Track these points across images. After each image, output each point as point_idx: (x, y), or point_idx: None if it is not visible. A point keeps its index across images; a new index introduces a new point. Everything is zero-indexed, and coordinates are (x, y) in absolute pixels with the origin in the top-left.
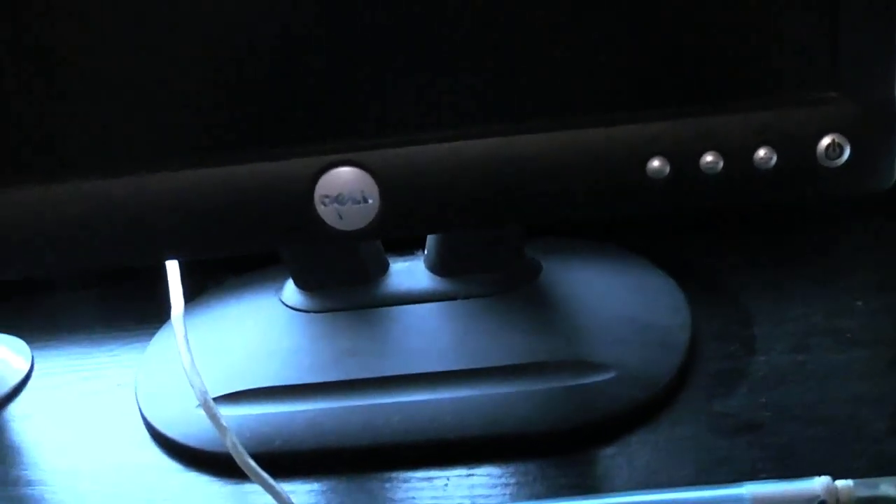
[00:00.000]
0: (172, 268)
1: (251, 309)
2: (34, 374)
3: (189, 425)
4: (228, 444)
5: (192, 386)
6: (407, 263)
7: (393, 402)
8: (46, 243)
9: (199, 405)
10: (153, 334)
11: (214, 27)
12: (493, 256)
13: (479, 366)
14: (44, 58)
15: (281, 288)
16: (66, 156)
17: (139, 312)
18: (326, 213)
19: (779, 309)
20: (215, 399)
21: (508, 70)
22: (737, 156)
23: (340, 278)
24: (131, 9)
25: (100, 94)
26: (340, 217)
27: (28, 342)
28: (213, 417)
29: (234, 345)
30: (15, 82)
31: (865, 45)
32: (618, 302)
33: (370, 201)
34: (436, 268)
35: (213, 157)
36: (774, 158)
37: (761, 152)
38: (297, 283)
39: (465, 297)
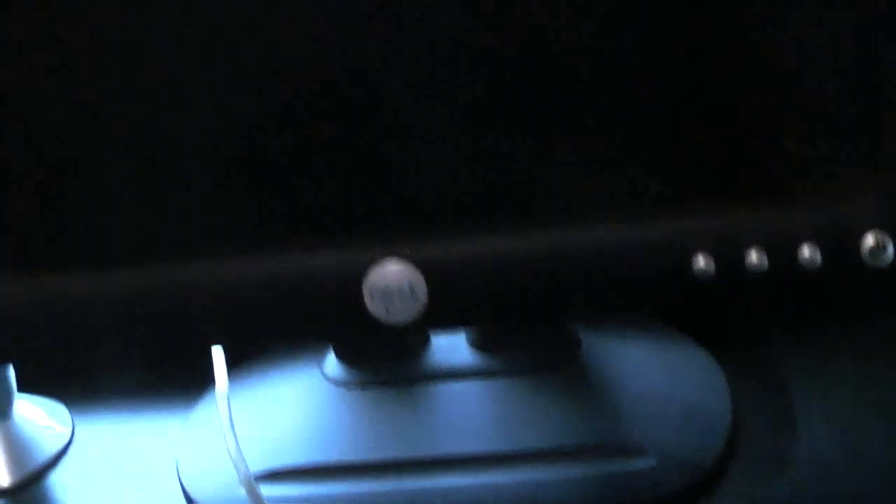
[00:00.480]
0: (217, 352)
1: (292, 381)
2: (74, 440)
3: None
4: None
5: (236, 469)
6: (448, 338)
7: (434, 486)
8: (95, 330)
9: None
10: (195, 402)
11: (267, 121)
12: (534, 332)
13: (519, 448)
14: (94, 143)
15: (322, 360)
16: (117, 244)
17: (182, 379)
18: (374, 306)
19: (822, 389)
20: (257, 476)
21: (556, 167)
22: (781, 254)
23: (381, 352)
24: (188, 101)
25: (151, 183)
26: (387, 310)
27: (69, 407)
28: (258, 500)
29: (276, 419)
30: (65, 170)
31: None
32: (658, 381)
33: (418, 296)
34: (477, 343)
35: (262, 249)
36: (819, 256)
37: (806, 250)
38: (338, 356)
39: (506, 374)
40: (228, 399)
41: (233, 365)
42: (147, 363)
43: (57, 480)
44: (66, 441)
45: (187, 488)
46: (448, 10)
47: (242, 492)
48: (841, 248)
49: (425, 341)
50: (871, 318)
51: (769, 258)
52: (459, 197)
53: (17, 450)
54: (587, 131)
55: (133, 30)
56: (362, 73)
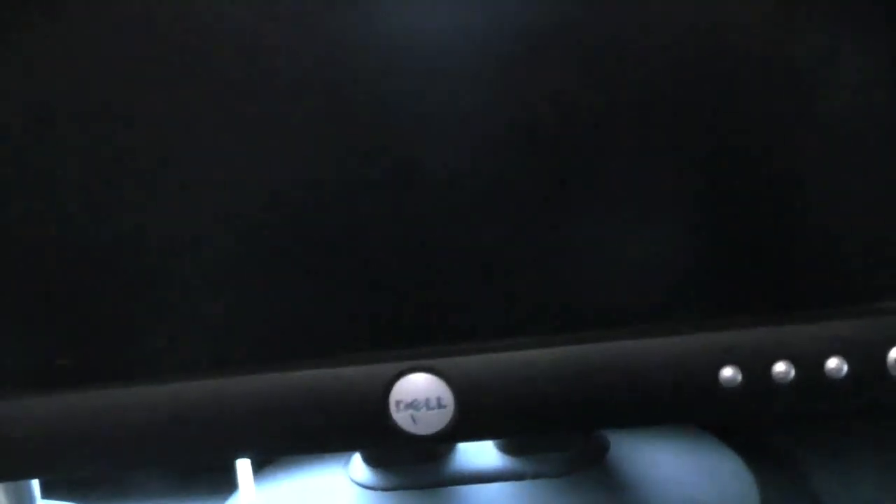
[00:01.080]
0: (243, 465)
1: (319, 485)
2: None
3: None
4: None
5: None
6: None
7: None
8: (127, 442)
9: None
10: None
11: (295, 235)
12: (562, 436)
13: None
14: (122, 263)
15: (348, 463)
16: (143, 358)
17: (207, 484)
18: (401, 417)
19: (850, 494)
20: None
21: (582, 280)
22: (808, 365)
23: (409, 455)
24: (215, 215)
25: (179, 298)
26: (415, 422)
27: None
28: None
29: None
30: (96, 288)
31: None
32: (686, 485)
33: (445, 407)
34: (504, 445)
35: (289, 362)
36: (845, 368)
37: (832, 362)
38: (364, 460)
39: (534, 478)
40: None
41: (258, 467)
42: (173, 471)
43: None
44: None
45: None
46: (490, 127)
47: None
48: (868, 360)
49: (452, 444)
50: None
51: (796, 370)
52: (487, 309)
53: None
54: (618, 244)
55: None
56: (389, 186)
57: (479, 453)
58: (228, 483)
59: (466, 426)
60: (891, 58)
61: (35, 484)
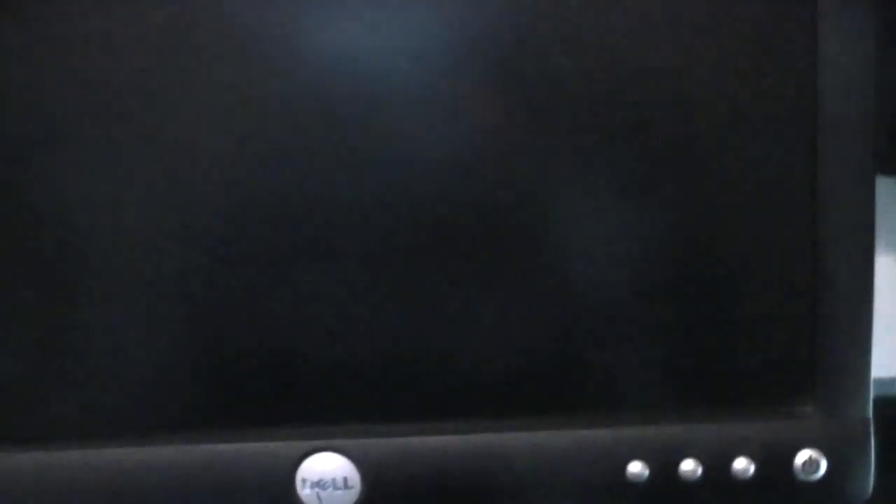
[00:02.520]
0: None
1: None
2: None
3: None
4: None
5: None
6: None
7: None
8: None
9: None
10: None
11: (203, 308)
12: None
13: None
14: (30, 329)
15: None
16: (50, 423)
17: None
18: (307, 496)
19: None
20: None
21: (493, 369)
22: (715, 464)
23: None
24: (113, 297)
25: (88, 367)
26: (320, 500)
27: None
28: None
29: None
30: (10, 363)
31: (841, 365)
32: None
33: (352, 488)
34: None
35: (195, 436)
36: (752, 469)
37: (739, 463)
38: None
39: None
40: None
41: None
42: None
43: None
44: None
45: None
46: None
47: None
48: (775, 462)
49: None
50: None
51: (703, 468)
52: (397, 393)
53: None
54: (528, 335)
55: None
56: (297, 263)
57: None
58: None
59: None
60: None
61: None
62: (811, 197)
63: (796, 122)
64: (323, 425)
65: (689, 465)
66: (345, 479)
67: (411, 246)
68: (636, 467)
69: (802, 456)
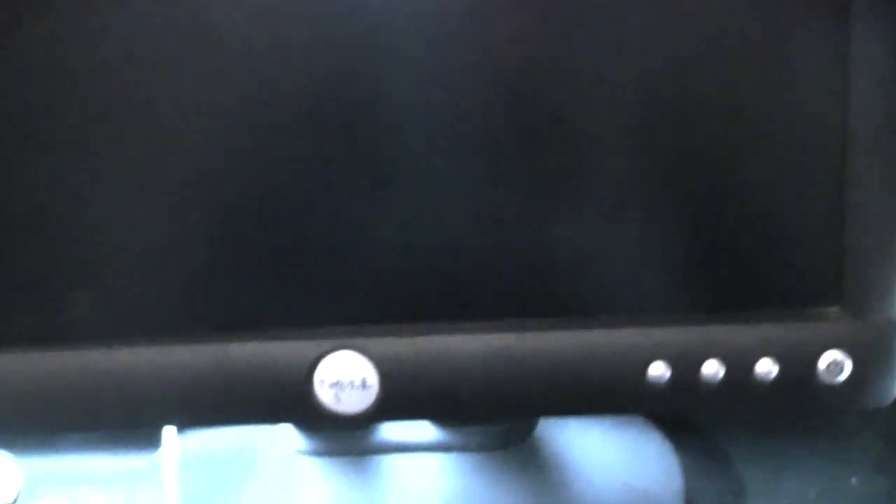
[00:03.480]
0: (169, 432)
1: (242, 446)
2: (22, 494)
3: None
4: None
5: None
6: None
7: None
8: (38, 408)
9: None
10: (148, 459)
11: (212, 209)
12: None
13: None
14: (49, 222)
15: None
16: (66, 323)
17: (136, 435)
18: (324, 395)
19: (774, 481)
20: None
21: (516, 269)
22: (738, 366)
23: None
24: (129, 192)
25: (102, 270)
26: (338, 400)
27: (17, 457)
28: None
29: (224, 486)
30: (20, 246)
31: (869, 265)
32: (611, 465)
33: (370, 388)
34: None
35: (210, 335)
36: (775, 371)
37: (762, 364)
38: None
39: (461, 451)
40: (177, 471)
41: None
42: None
43: None
44: (14, 495)
45: None
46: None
47: None
48: (798, 364)
49: (375, 424)
50: (823, 413)
51: (725, 369)
52: (418, 290)
53: None
54: (554, 235)
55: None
56: (323, 160)
57: (407, 423)
58: (155, 437)
59: (390, 408)
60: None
61: None
62: (842, 87)
63: None
64: (341, 324)
65: (711, 367)
66: (363, 380)
67: (435, 141)
68: (657, 369)
69: (827, 358)
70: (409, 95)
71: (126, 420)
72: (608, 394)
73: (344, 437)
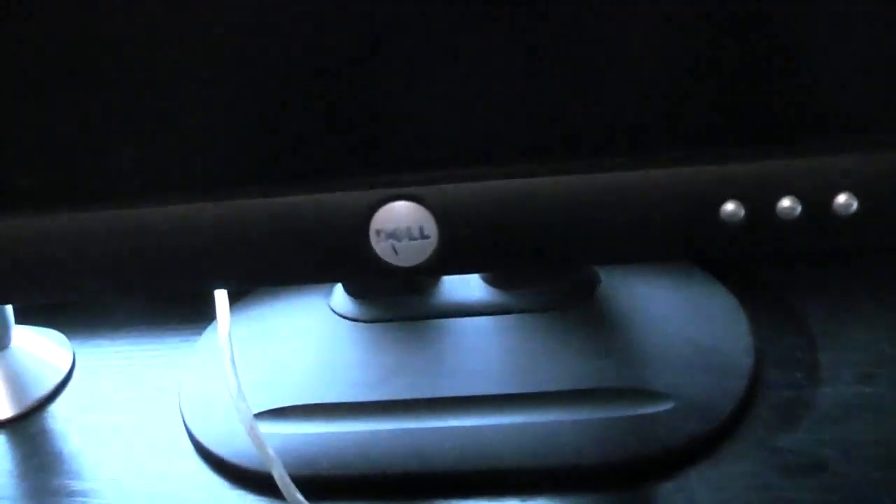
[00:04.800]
0: (220, 295)
1: (299, 314)
2: (75, 372)
3: (234, 442)
4: (276, 476)
5: (237, 412)
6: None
7: (445, 427)
8: (96, 269)
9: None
10: (198, 333)
11: (268, 57)
12: (551, 269)
13: (533, 390)
14: (91, 76)
15: (330, 294)
16: (119, 182)
17: (184, 309)
18: (381, 247)
19: (844, 334)
20: (261, 414)
21: (577, 106)
22: (815, 202)
23: (392, 286)
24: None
25: (153, 122)
26: (396, 252)
27: (69, 337)
28: (261, 447)
29: (281, 355)
30: (69, 110)
31: None
32: (677, 322)
33: (428, 238)
34: (490, 279)
35: (267, 188)
36: (855, 205)
37: (841, 198)
38: (346, 290)
39: (520, 312)
40: (230, 338)
41: (236, 297)
42: (146, 298)
43: (57, 411)
44: (66, 372)
45: (190, 425)
46: None
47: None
48: (878, 197)
49: (436, 276)
50: None
51: (802, 206)
52: (474, 134)
53: (17, 380)
54: (614, 65)
55: None
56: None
57: (465, 286)
58: (207, 312)
59: (451, 258)
60: None
61: (9, 310)
62: None
63: None
64: (396, 172)
65: (787, 203)
66: (420, 229)
67: None
68: (731, 207)
69: None
70: None
71: (179, 281)
72: (681, 236)
73: (397, 301)
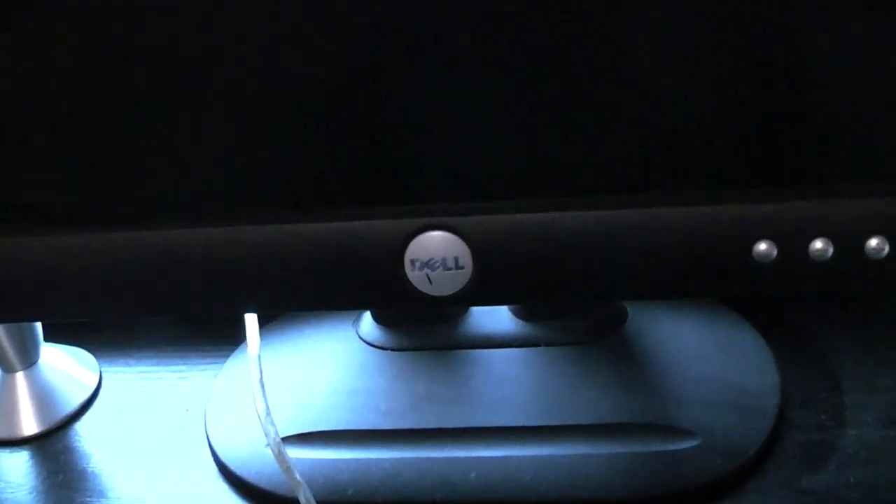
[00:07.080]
0: (250, 318)
1: (327, 341)
2: (102, 391)
3: (259, 465)
4: (302, 501)
5: (265, 434)
6: None
7: (470, 457)
8: (128, 289)
9: (272, 451)
10: (225, 356)
11: (308, 84)
12: (580, 303)
13: (559, 422)
14: (131, 99)
15: (358, 321)
16: (155, 204)
17: (212, 332)
18: (416, 277)
19: (870, 376)
20: (287, 438)
21: (612, 142)
22: (848, 244)
23: (420, 316)
24: (223, 69)
25: (190, 146)
26: (430, 282)
27: (96, 356)
28: (287, 470)
29: (309, 379)
30: (105, 133)
31: None
32: (704, 359)
33: (463, 268)
34: (518, 311)
35: (303, 214)
36: (886, 249)
37: (873, 242)
38: (375, 318)
39: (548, 345)
40: (259, 360)
41: (266, 321)
42: (177, 319)
43: (82, 429)
44: (92, 390)
45: (215, 447)
46: None
47: (270, 452)
48: None
49: (468, 306)
50: None
51: (834, 248)
52: (511, 167)
53: (43, 397)
54: (651, 102)
55: None
56: (410, 38)
57: (493, 317)
58: (234, 336)
59: (484, 289)
60: None
61: (38, 327)
62: None
63: None
64: (432, 202)
65: (819, 245)
66: (455, 259)
67: (529, 20)
68: (764, 246)
69: None
70: None
71: (212, 304)
72: (712, 274)
73: (426, 331)
